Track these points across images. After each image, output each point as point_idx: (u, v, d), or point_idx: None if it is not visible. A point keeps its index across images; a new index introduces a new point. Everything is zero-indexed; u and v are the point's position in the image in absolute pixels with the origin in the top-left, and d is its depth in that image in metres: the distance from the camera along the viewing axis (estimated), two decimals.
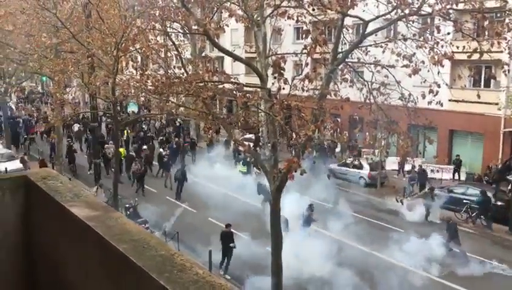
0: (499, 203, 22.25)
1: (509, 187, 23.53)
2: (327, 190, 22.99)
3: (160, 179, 27.66)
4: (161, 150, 30.40)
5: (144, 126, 39.68)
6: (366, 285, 15.02)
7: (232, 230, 16.86)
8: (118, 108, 21.10)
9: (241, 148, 12.79)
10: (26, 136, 37.15)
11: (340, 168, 29.58)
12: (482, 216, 21.84)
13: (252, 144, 22.71)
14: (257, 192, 22.69)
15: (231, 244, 16.39)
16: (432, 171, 28.94)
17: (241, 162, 27.68)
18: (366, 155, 29.37)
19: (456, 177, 28.76)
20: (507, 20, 11.02)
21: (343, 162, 29.89)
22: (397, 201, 22.98)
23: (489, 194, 22.59)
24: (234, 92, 12.61)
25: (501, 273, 16.66)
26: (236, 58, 13.49)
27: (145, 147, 31.35)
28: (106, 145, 30.31)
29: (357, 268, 15.78)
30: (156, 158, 29.48)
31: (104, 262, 2.00)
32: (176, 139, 35.20)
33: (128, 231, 2.02)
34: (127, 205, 19.94)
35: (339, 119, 30.72)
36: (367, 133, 18.31)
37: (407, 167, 28.52)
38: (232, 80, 11.76)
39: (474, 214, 22.09)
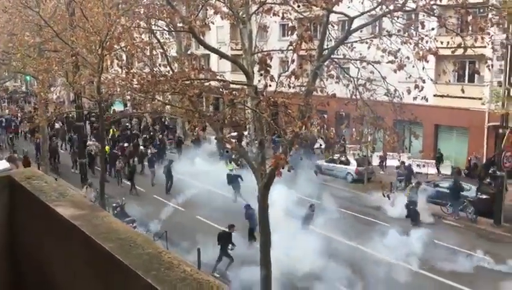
0: (484, 196, 22.57)
1: (488, 180, 23.95)
2: (315, 186, 23.09)
3: (146, 177, 27.53)
4: (142, 147, 30.46)
5: (127, 124, 39.67)
6: (351, 278, 15.13)
7: (232, 232, 16.87)
8: (104, 107, 20.90)
9: (228, 145, 12.77)
10: (11, 136, 36.88)
11: (327, 165, 29.78)
12: (453, 205, 22.45)
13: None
14: (227, 182, 23.26)
15: (229, 246, 16.40)
16: (418, 166, 29.22)
17: (227, 160, 27.67)
18: (353, 151, 29.55)
19: (440, 171, 29.09)
20: (490, 16, 11.15)
21: (330, 159, 30.05)
22: (384, 196, 23.12)
23: (471, 185, 23.04)
24: (220, 89, 12.57)
25: (486, 266, 16.87)
26: (222, 55, 13.46)
27: (126, 144, 31.30)
28: (88, 143, 30.20)
29: (343, 262, 15.93)
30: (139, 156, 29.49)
31: (90, 261, 1.99)
32: (160, 136, 35.30)
33: (114, 230, 2.00)
34: (114, 204, 19.82)
35: (325, 116, 30.85)
36: (353, 129, 18.39)
37: (391, 163, 28.88)
38: (218, 77, 11.72)
39: (447, 203, 22.63)
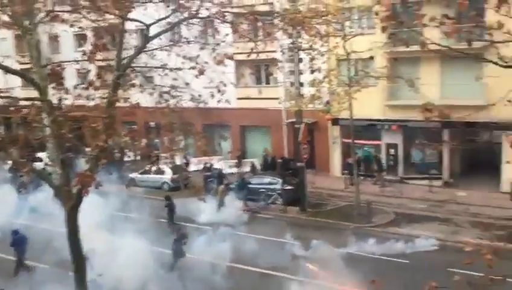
0: (289, 187, 24.70)
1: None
2: (128, 199, 22.32)
3: None
4: None
5: None
6: (171, 283, 15.16)
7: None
8: None
9: (24, 169, 11.36)
10: None
11: (141, 176, 29.23)
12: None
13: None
14: None
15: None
16: (230, 166, 30.64)
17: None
18: (166, 160, 29.47)
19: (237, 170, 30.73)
20: (276, 21, 12.12)
21: (144, 170, 29.47)
22: (199, 200, 23.53)
23: (278, 179, 25.05)
24: (9, 108, 11.14)
25: (295, 250, 18.25)
26: (5, 69, 11.91)
27: None
28: None
29: (156, 269, 15.93)
30: None
31: None
32: None
33: None
34: None
35: (135, 127, 30.07)
36: (165, 138, 18.24)
37: (197, 166, 29.89)
38: (1, 94, 10.32)
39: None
